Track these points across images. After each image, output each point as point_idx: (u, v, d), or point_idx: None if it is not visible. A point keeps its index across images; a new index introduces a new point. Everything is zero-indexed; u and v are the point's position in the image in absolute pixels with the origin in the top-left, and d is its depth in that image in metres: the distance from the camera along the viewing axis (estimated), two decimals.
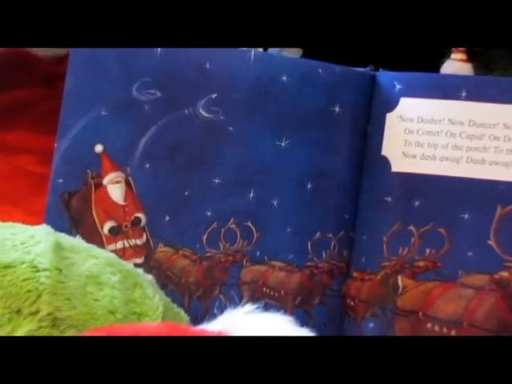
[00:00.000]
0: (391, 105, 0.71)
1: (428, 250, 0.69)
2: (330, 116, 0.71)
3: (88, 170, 0.71)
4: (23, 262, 0.56)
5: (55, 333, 0.55)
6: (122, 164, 0.72)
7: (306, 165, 0.71)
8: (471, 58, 0.76)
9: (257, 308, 0.56)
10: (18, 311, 0.55)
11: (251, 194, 0.72)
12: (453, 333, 0.68)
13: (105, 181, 0.72)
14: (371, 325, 0.70)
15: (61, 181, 0.72)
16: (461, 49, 0.75)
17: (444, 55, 0.77)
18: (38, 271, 0.56)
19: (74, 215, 0.71)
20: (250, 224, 0.71)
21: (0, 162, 1.01)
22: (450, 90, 0.70)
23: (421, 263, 0.69)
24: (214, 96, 0.71)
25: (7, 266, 0.56)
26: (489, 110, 0.69)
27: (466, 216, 0.69)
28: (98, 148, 0.71)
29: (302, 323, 0.56)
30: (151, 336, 0.50)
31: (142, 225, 0.72)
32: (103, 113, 0.71)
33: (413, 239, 0.70)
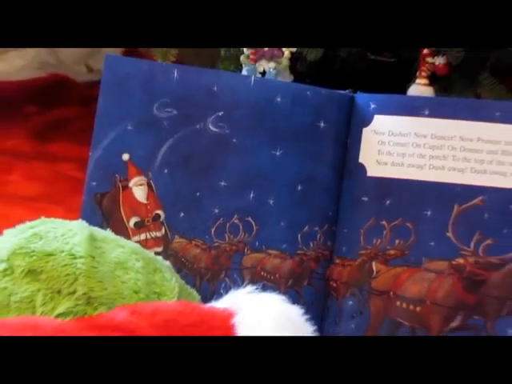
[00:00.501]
0: (367, 121, 0.72)
1: (397, 241, 0.70)
2: (316, 130, 0.72)
3: (116, 175, 0.72)
4: (63, 251, 0.57)
5: (89, 309, 0.56)
6: (144, 170, 0.72)
7: (297, 171, 0.72)
8: (433, 82, 0.76)
9: (256, 289, 0.57)
10: (59, 291, 0.56)
11: (251, 195, 0.72)
12: (418, 309, 0.68)
13: (130, 183, 0.72)
14: (350, 303, 0.70)
15: (94, 184, 0.72)
16: (424, 75, 0.74)
17: (410, 80, 0.77)
18: (75, 258, 0.57)
19: (105, 212, 0.72)
20: (250, 219, 0.72)
21: (45, 169, 1.02)
22: (415, 108, 0.70)
23: (391, 252, 0.70)
24: (220, 114, 0.72)
25: (49, 254, 0.57)
26: (447, 125, 0.69)
27: (429, 213, 0.69)
28: (125, 156, 0.72)
29: (294, 301, 0.57)
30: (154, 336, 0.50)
31: (161, 220, 0.72)
32: (129, 127, 0.72)
33: (385, 232, 0.70)
